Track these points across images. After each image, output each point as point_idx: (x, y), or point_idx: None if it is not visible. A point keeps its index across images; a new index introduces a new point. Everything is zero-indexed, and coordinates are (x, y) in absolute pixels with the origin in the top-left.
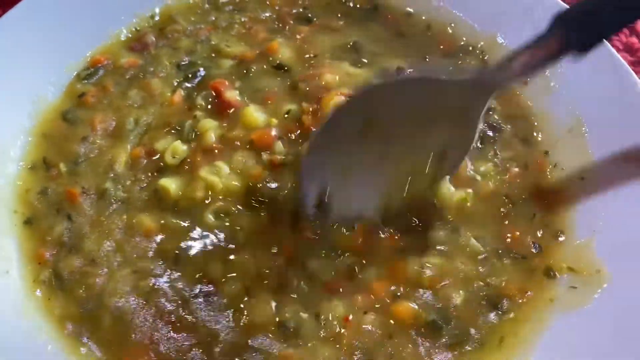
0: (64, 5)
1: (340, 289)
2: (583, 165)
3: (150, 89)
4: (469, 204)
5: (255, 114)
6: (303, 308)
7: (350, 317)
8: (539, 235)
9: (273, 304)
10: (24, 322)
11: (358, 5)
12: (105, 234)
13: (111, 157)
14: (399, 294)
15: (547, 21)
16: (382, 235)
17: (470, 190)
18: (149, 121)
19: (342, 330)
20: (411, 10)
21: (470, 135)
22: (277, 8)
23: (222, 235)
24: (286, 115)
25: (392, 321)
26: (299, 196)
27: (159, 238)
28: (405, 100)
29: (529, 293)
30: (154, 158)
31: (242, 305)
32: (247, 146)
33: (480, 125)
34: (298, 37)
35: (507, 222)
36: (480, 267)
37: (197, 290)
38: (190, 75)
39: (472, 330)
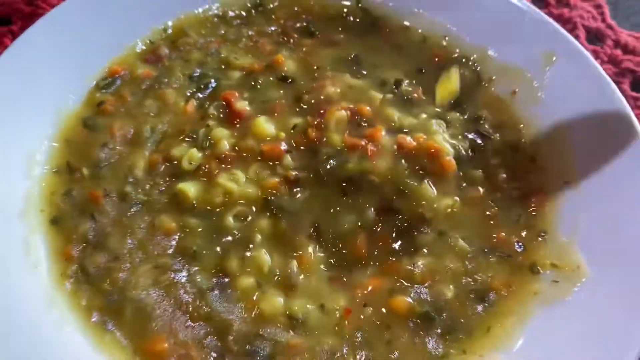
0: (84, 19)
1: (343, 285)
2: (566, 169)
3: (165, 98)
4: (455, 208)
5: (265, 125)
6: (309, 301)
7: (352, 309)
8: (523, 235)
9: (282, 298)
10: (53, 311)
11: (358, 20)
12: (128, 233)
13: (130, 162)
14: (394, 289)
15: (534, 35)
16: (378, 240)
17: (457, 198)
18: (165, 129)
19: (345, 321)
20: (408, 24)
21: None
22: (282, 22)
23: (239, 235)
24: (292, 131)
25: (389, 313)
26: None
27: (178, 237)
28: None
29: (513, 287)
30: (171, 164)
31: (254, 298)
32: (259, 157)
33: None
34: (302, 50)
35: (493, 223)
36: (468, 265)
37: (213, 284)
38: (202, 86)
39: (462, 321)
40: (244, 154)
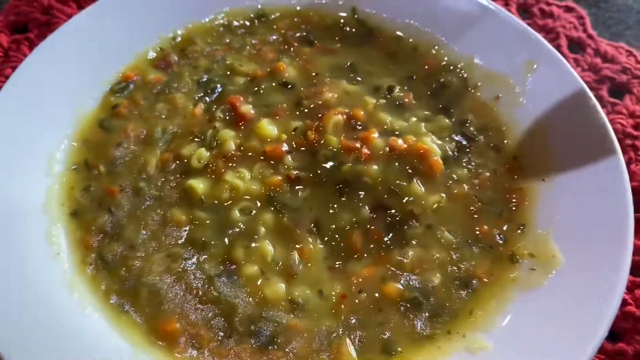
0: (99, 29)
1: (340, 273)
2: (544, 168)
3: (175, 102)
4: (441, 204)
5: (268, 127)
6: (309, 287)
7: (347, 294)
8: (504, 228)
9: (284, 285)
10: (74, 294)
11: (354, 30)
12: (142, 225)
13: (143, 160)
14: (386, 277)
15: (517, 45)
16: (372, 234)
17: (443, 195)
18: (175, 130)
19: (341, 305)
20: (400, 34)
21: None
22: (283, 32)
23: (245, 228)
24: (293, 133)
25: (381, 298)
26: None
27: (188, 228)
28: None
29: (494, 275)
30: (181, 162)
31: (258, 284)
32: (262, 157)
33: None
34: (301, 58)
35: (476, 217)
36: (453, 255)
37: (221, 271)
38: (209, 91)
39: (447, 305)
40: (249, 154)
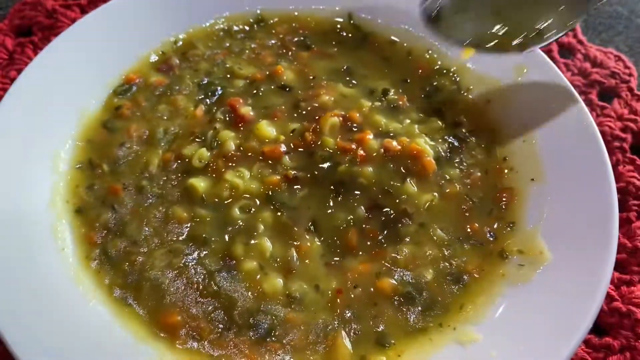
0: (103, 33)
1: (336, 269)
2: (533, 168)
3: (176, 104)
4: (434, 202)
5: (267, 128)
6: (306, 282)
7: (343, 289)
8: (495, 226)
9: (281, 280)
10: (79, 288)
11: (350, 35)
12: (144, 222)
13: (146, 159)
14: (381, 272)
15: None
16: (368, 233)
17: (436, 194)
18: (176, 131)
19: (337, 300)
20: (395, 39)
21: (572, 20)
22: (281, 36)
23: (244, 225)
24: (291, 134)
25: (375, 293)
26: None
27: (189, 225)
28: None
29: (484, 270)
30: (182, 161)
31: (257, 278)
32: (260, 157)
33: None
34: (299, 61)
35: (468, 215)
36: (445, 251)
37: (221, 266)
38: (209, 93)
39: (439, 299)
40: (248, 154)
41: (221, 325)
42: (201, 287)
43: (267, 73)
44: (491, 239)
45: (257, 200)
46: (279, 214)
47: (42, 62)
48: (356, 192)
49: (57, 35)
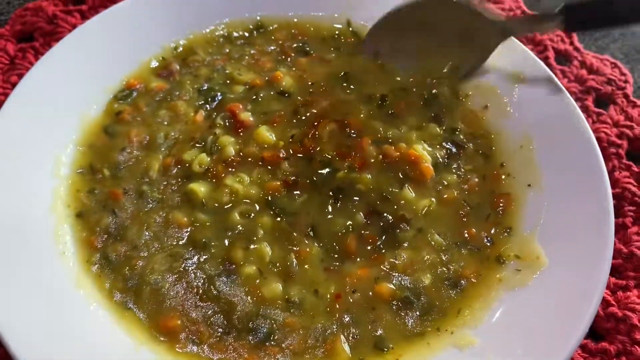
0: (104, 38)
1: (335, 274)
2: (530, 174)
3: (176, 109)
4: (432, 208)
5: (266, 133)
6: (305, 287)
7: (342, 294)
8: (492, 231)
9: (281, 285)
10: (80, 292)
11: (348, 40)
12: (145, 226)
13: (146, 164)
14: (379, 277)
15: (505, 56)
16: (366, 238)
17: (433, 199)
18: (177, 136)
19: (336, 304)
20: None
21: (480, 60)
22: (280, 42)
23: (244, 230)
24: (290, 140)
25: (374, 297)
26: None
27: (189, 230)
28: (445, 14)
29: (481, 275)
30: (182, 167)
31: (257, 283)
32: (260, 163)
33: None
34: (298, 67)
35: (465, 221)
36: (443, 256)
37: (220, 271)
38: (209, 99)
39: (437, 303)
40: (248, 159)
41: (220, 329)
42: (201, 291)
43: (267, 79)
44: (488, 244)
45: (256, 205)
46: (278, 219)
47: (43, 68)
48: (355, 198)
49: (58, 41)
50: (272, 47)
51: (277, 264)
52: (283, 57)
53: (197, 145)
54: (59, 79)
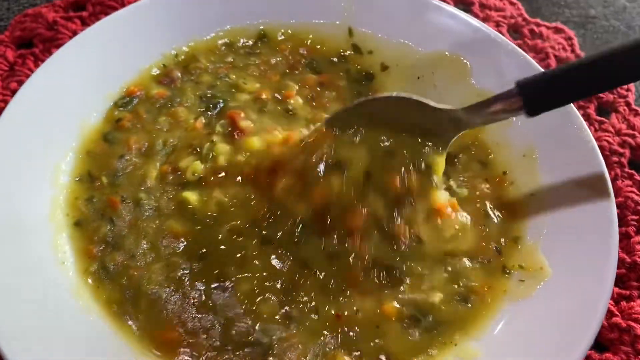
0: (104, 46)
1: (338, 295)
2: (534, 184)
3: (177, 116)
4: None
5: (256, 141)
6: (306, 305)
7: (345, 313)
8: (502, 242)
9: (278, 300)
10: (79, 302)
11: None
12: (142, 235)
13: (144, 172)
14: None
15: (506, 64)
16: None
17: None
18: (175, 143)
19: (338, 321)
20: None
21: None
22: (285, 54)
23: (236, 244)
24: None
25: (378, 315)
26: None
27: (185, 240)
28: (396, 112)
29: (488, 288)
30: (179, 174)
31: (255, 295)
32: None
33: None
34: (305, 83)
35: (484, 234)
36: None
37: (217, 285)
38: (211, 106)
39: (445, 318)
40: (238, 170)
41: (218, 342)
42: (198, 303)
43: (273, 91)
44: (498, 254)
45: (246, 224)
46: (269, 239)
47: (43, 74)
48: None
49: (59, 48)
50: (278, 58)
51: (276, 278)
52: (289, 70)
53: (194, 152)
54: (59, 86)
